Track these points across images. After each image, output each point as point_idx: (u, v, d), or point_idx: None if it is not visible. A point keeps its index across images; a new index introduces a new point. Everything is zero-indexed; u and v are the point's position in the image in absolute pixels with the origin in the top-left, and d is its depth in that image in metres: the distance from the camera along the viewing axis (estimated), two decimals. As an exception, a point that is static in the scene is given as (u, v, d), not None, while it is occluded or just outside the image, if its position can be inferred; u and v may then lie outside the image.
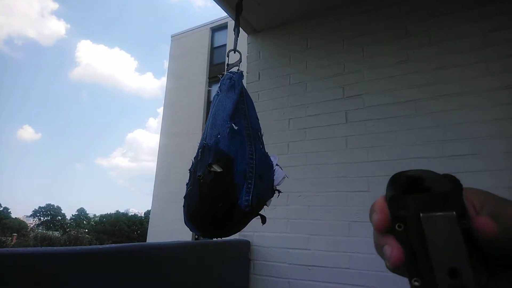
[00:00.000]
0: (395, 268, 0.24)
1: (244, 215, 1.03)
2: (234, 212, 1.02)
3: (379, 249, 0.25)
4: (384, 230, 0.26)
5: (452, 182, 0.26)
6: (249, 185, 1.03)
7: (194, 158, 1.13)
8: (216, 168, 1.01)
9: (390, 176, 0.27)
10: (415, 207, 0.24)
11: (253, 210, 1.04)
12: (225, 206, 1.02)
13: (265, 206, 1.12)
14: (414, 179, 0.25)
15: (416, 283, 0.23)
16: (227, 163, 1.02)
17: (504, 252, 0.24)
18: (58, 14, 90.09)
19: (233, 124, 1.08)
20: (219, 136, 1.06)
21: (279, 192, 1.16)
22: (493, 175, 1.58)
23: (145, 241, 14.85)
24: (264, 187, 1.08)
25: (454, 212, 0.23)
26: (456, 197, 0.24)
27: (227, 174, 1.02)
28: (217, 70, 14.27)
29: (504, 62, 1.66)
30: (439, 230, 0.23)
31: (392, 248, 0.24)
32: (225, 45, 14.33)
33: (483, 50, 1.72)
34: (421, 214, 0.23)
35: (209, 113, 1.17)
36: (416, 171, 0.26)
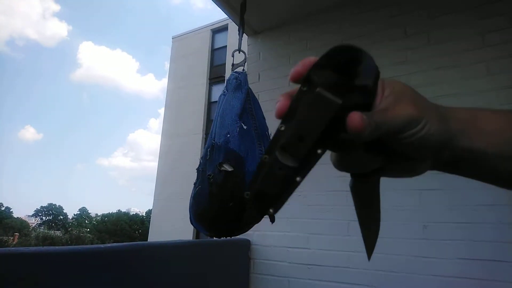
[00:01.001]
0: (277, 117, 0.28)
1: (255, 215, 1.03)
2: (245, 211, 1.01)
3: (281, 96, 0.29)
4: (294, 81, 0.30)
5: (375, 77, 0.28)
6: None
7: (202, 157, 1.12)
8: (227, 168, 1.01)
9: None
10: (323, 80, 0.27)
11: None
12: (236, 206, 1.01)
13: None
14: (353, 61, 0.28)
15: (282, 128, 0.28)
16: (238, 162, 1.02)
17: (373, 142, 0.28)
18: (60, 15, 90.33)
19: (242, 124, 1.08)
20: (228, 135, 1.05)
21: None
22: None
23: (147, 240, 14.87)
24: None
25: (341, 101, 0.26)
26: (363, 92, 0.27)
27: (238, 173, 1.01)
28: (217, 71, 14.28)
29: (504, 62, 1.66)
30: (318, 107, 0.27)
31: (282, 102, 0.28)
32: (225, 46, 14.33)
33: (483, 50, 1.72)
34: (317, 89, 0.27)
35: (216, 112, 1.16)
36: (363, 55, 0.28)
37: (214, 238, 1.18)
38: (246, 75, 1.24)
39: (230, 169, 1.01)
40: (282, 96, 0.29)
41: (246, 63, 1.29)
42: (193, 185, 1.14)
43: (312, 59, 0.29)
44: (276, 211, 0.28)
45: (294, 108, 0.28)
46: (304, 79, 0.28)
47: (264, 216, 0.29)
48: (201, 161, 1.12)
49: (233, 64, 1.28)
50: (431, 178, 1.70)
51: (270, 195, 0.28)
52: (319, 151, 0.27)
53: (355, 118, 0.26)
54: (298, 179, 0.28)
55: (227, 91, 1.18)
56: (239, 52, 1.30)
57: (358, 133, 0.26)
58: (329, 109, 0.26)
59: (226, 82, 1.21)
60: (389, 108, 0.28)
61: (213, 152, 1.07)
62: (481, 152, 0.32)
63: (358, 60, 0.28)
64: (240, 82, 1.18)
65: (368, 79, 0.27)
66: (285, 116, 0.28)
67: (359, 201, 0.34)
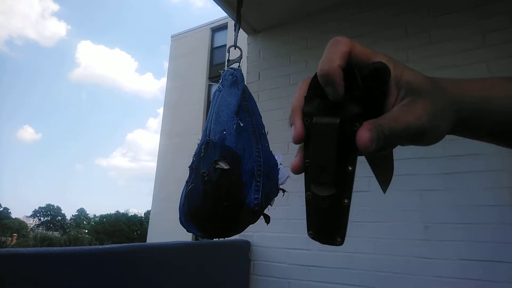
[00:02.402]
0: (295, 143, 0.30)
1: (252, 214, 0.99)
2: (241, 211, 0.98)
3: (290, 122, 0.30)
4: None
5: (374, 78, 0.28)
6: (258, 184, 1.00)
7: (195, 154, 1.08)
8: (223, 165, 0.97)
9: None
10: (315, 109, 0.29)
11: (262, 209, 1.01)
12: (231, 205, 0.97)
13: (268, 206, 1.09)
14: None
15: (307, 163, 0.29)
16: (234, 160, 0.99)
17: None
18: (59, 15, 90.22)
19: (239, 121, 1.04)
20: (225, 132, 1.02)
21: (284, 191, 1.13)
22: (493, 175, 1.58)
23: (145, 241, 14.84)
24: (270, 186, 1.05)
25: (338, 120, 0.27)
26: (357, 101, 0.28)
27: (234, 171, 0.98)
28: (217, 70, 14.24)
29: (504, 62, 1.66)
30: (321, 134, 0.28)
31: (296, 130, 0.29)
32: (225, 45, 14.30)
33: (483, 50, 1.72)
34: (314, 118, 0.28)
35: (210, 108, 1.12)
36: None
37: (211, 239, 1.15)
38: (242, 71, 1.20)
39: (226, 167, 0.97)
40: (295, 123, 0.29)
41: (242, 60, 1.26)
42: (185, 184, 1.10)
43: (300, 95, 0.30)
44: (343, 238, 0.28)
45: (307, 142, 0.29)
46: (303, 114, 0.30)
47: (261, 218, 0.30)
48: (194, 158, 1.08)
49: (228, 60, 1.25)
50: (432, 179, 1.70)
51: (329, 227, 0.29)
52: (349, 168, 0.28)
53: (361, 136, 0.26)
54: (345, 201, 0.28)
55: (222, 87, 1.14)
56: (235, 48, 1.26)
57: (366, 149, 0.26)
58: (331, 131, 0.27)
59: (222, 78, 1.17)
60: (400, 116, 0.28)
61: (208, 149, 1.03)
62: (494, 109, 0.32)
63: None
64: (236, 79, 1.14)
65: (355, 88, 0.28)
66: (304, 151, 0.29)
67: (372, 161, 0.35)
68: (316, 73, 0.29)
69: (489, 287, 1.48)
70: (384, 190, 0.36)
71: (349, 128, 0.27)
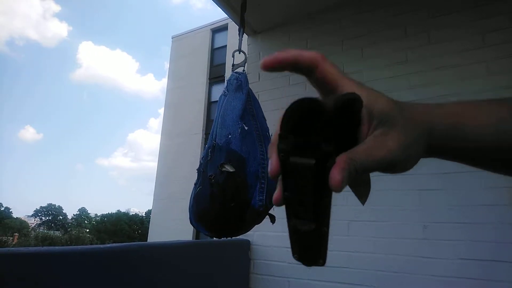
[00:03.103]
0: (272, 178, 0.29)
1: (257, 215, 1.03)
2: (247, 212, 1.02)
3: (268, 156, 0.30)
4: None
5: (343, 114, 0.28)
6: (262, 185, 1.03)
7: (203, 157, 1.12)
8: (228, 168, 1.01)
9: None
10: (290, 148, 0.28)
11: (266, 210, 1.05)
12: (237, 206, 1.01)
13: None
14: (305, 118, 0.28)
15: (286, 196, 0.29)
16: (239, 163, 1.03)
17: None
18: (60, 16, 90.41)
19: (244, 125, 1.08)
20: (230, 136, 1.06)
21: None
22: (493, 175, 1.57)
23: (146, 240, 14.86)
24: (275, 187, 1.08)
25: (314, 161, 0.27)
26: (329, 142, 0.27)
27: (239, 174, 1.02)
28: (217, 71, 14.28)
29: (504, 62, 1.67)
30: (297, 173, 0.28)
31: (271, 165, 0.29)
32: (225, 46, 14.33)
33: (483, 50, 1.73)
34: (290, 158, 0.28)
35: (216, 112, 1.16)
36: (311, 108, 0.27)
37: (214, 238, 1.18)
38: (246, 75, 1.24)
39: (231, 170, 1.01)
40: (273, 157, 0.29)
41: (246, 64, 1.29)
42: (193, 186, 1.14)
43: (276, 135, 0.29)
44: (325, 260, 0.30)
45: (284, 176, 0.29)
46: (278, 151, 0.29)
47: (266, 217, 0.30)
48: (202, 161, 1.13)
49: (233, 65, 1.28)
50: (431, 178, 1.70)
51: (311, 251, 0.30)
52: (326, 199, 0.28)
53: (333, 177, 0.26)
54: (325, 229, 0.29)
55: (227, 91, 1.18)
56: (239, 53, 1.29)
57: (337, 190, 0.26)
58: (307, 171, 0.27)
59: (227, 82, 1.21)
60: (373, 150, 0.28)
61: (214, 153, 1.07)
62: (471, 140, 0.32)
63: (311, 114, 0.27)
64: (240, 83, 1.18)
65: (326, 126, 0.27)
66: (283, 184, 0.29)
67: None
68: (286, 109, 0.28)
69: (488, 286, 1.49)
70: (363, 203, 0.36)
71: (324, 165, 0.27)
